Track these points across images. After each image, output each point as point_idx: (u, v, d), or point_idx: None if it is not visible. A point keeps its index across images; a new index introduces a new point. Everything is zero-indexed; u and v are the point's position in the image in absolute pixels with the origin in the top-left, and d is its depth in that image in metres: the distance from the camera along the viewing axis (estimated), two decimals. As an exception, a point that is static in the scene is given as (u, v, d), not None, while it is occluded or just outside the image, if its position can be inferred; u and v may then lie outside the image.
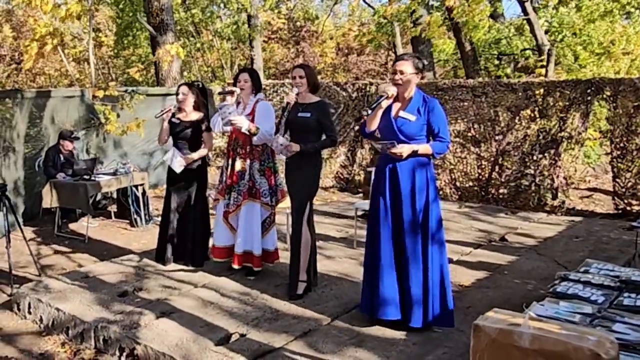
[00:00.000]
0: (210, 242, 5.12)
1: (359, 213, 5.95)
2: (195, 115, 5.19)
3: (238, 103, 4.75)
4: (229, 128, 4.65)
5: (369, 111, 3.74)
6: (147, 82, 16.39)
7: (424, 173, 3.71)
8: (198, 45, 16.96)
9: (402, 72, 3.71)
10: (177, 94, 5.21)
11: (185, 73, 13.25)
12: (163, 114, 5.12)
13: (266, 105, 4.70)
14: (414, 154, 3.66)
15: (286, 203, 4.77)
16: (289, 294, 4.38)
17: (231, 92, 4.64)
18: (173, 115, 5.18)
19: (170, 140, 5.19)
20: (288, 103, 4.25)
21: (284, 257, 4.87)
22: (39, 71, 16.47)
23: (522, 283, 4.72)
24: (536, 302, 3.36)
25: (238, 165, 4.69)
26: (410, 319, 3.71)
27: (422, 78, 3.84)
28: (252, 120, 4.59)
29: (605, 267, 3.91)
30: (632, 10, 14.48)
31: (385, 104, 3.74)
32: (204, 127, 5.15)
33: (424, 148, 3.69)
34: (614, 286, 3.49)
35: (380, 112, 3.78)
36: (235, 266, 4.77)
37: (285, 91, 9.74)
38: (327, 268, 5.03)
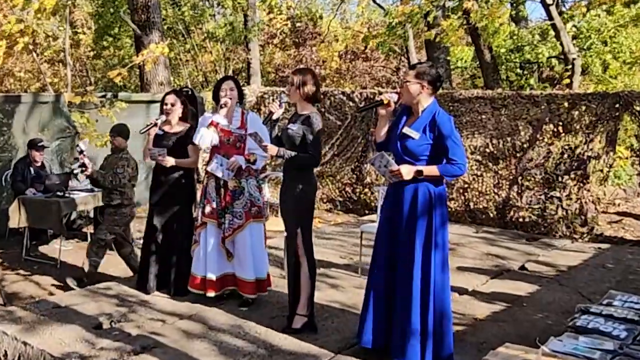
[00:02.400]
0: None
1: (365, 237, 6.02)
2: (181, 127, 5.27)
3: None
4: (232, 173, 4.79)
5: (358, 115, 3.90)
6: (130, 87, 16.53)
7: (427, 197, 3.73)
8: (188, 46, 17.12)
9: (405, 81, 3.81)
10: (163, 103, 5.28)
11: (172, 78, 13.37)
12: (149, 129, 5.18)
13: (256, 117, 4.90)
14: (419, 175, 3.70)
15: (281, 225, 4.85)
16: (285, 328, 4.43)
17: (224, 105, 4.77)
18: (156, 125, 5.25)
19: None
20: (271, 112, 4.32)
21: (281, 285, 4.94)
22: (8, 72, 16.60)
23: (542, 317, 4.79)
24: (554, 337, 3.43)
25: (231, 183, 4.80)
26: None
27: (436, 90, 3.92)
28: (245, 132, 4.74)
29: (631, 299, 3.98)
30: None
31: (383, 112, 3.85)
32: (190, 139, 5.21)
33: (430, 170, 3.71)
34: (638, 320, 3.56)
35: (383, 123, 3.88)
36: (250, 296, 4.88)
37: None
38: (329, 298, 5.10)
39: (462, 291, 5.40)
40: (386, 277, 3.87)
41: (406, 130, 3.78)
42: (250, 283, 4.87)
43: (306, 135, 4.25)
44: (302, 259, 4.34)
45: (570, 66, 12.53)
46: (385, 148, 3.96)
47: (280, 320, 4.58)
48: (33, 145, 7.64)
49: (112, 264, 6.93)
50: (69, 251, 7.41)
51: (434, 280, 3.74)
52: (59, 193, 7.06)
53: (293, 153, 4.23)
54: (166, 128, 5.27)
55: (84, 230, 8.13)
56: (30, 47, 10.60)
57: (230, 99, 4.80)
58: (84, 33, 17.37)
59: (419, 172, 3.71)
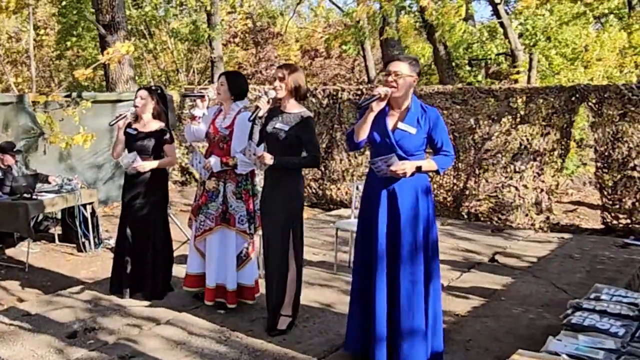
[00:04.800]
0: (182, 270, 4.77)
1: (340, 233, 5.68)
2: (155, 125, 4.84)
3: (220, 111, 4.46)
4: (207, 172, 4.38)
5: (358, 119, 3.49)
6: (94, 87, 15.79)
7: (425, 196, 3.45)
8: (150, 46, 16.44)
9: (397, 74, 3.37)
10: (135, 98, 4.84)
11: (136, 78, 12.75)
12: (118, 120, 4.75)
13: (246, 118, 4.25)
14: (418, 171, 3.39)
15: None
16: (269, 330, 4.07)
17: (201, 96, 4.35)
18: (129, 124, 4.83)
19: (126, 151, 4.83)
20: (257, 107, 3.85)
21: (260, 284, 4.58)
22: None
23: (523, 310, 4.55)
24: (552, 336, 3.18)
25: (209, 184, 4.38)
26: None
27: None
28: (231, 134, 4.29)
29: (617, 292, 3.80)
30: (605, 13, 14.82)
31: (376, 107, 3.42)
32: (166, 138, 4.82)
33: (428, 164, 3.43)
34: (633, 315, 3.37)
35: (370, 118, 3.44)
36: (208, 302, 4.44)
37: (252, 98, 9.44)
38: (308, 298, 4.72)
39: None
40: (384, 278, 3.49)
41: (401, 125, 3.42)
42: (210, 289, 4.42)
43: (301, 137, 3.86)
44: (291, 260, 3.96)
45: (519, 62, 12.51)
46: (362, 147, 3.63)
47: (261, 323, 4.22)
48: (5, 149, 7.01)
49: (83, 266, 6.44)
50: (37, 254, 6.85)
51: (429, 277, 3.46)
52: (26, 195, 6.48)
53: (294, 159, 3.86)
54: (139, 127, 4.82)
55: (51, 231, 7.55)
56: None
57: (219, 93, 4.37)
58: (47, 34, 16.51)
59: (419, 168, 3.40)
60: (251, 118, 3.84)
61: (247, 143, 3.97)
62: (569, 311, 3.43)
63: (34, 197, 6.48)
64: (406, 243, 3.41)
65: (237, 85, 4.37)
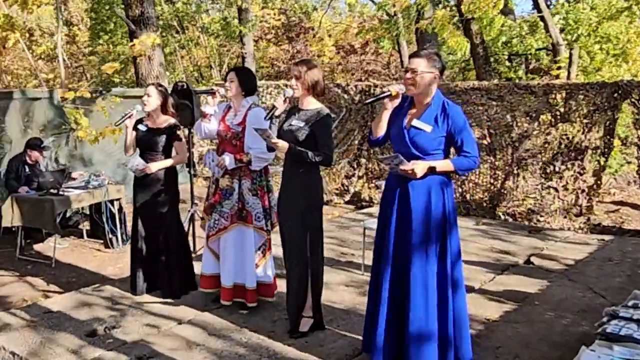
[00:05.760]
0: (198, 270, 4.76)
1: (368, 232, 5.58)
2: (165, 121, 4.82)
3: (229, 108, 4.44)
4: (221, 170, 4.34)
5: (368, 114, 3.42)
6: (126, 82, 15.99)
7: (440, 197, 3.32)
8: (183, 42, 16.56)
9: (413, 71, 3.27)
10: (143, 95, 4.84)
11: (168, 74, 12.86)
12: (124, 119, 4.75)
13: (258, 113, 4.27)
14: (431, 171, 3.27)
15: None
16: (291, 332, 4.01)
17: (212, 93, 4.32)
18: (141, 121, 4.82)
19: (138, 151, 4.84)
20: (274, 107, 3.81)
21: (282, 285, 4.51)
22: (5, 70, 16.03)
23: (557, 316, 4.37)
24: (585, 345, 3.03)
25: (223, 182, 4.33)
26: None
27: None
28: (243, 131, 4.25)
29: (659, 300, 3.60)
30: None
31: (390, 105, 3.35)
32: (176, 135, 4.80)
33: (443, 164, 3.29)
34: (674, 326, 3.18)
35: (385, 116, 3.39)
36: (225, 302, 4.41)
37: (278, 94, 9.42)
38: (332, 299, 4.66)
39: (469, 289, 4.97)
40: (393, 280, 3.41)
41: (416, 122, 3.32)
42: (227, 289, 4.38)
43: (316, 132, 3.78)
44: (310, 259, 3.88)
45: (560, 57, 12.17)
46: (381, 143, 3.55)
47: (283, 324, 4.17)
48: (33, 146, 7.14)
49: (110, 262, 6.50)
50: (65, 249, 6.96)
51: (451, 281, 3.33)
52: (52, 191, 6.57)
53: (306, 151, 3.76)
54: (149, 123, 4.82)
55: (81, 226, 7.66)
56: (27, 44, 10.10)
57: (228, 89, 4.32)
58: (80, 29, 16.80)
59: (432, 169, 3.27)
60: (267, 117, 3.80)
61: (269, 154, 4.05)
62: (605, 319, 3.27)
63: (61, 192, 6.57)
64: (417, 244, 3.31)
65: (247, 81, 4.35)
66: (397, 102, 3.38)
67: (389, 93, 3.34)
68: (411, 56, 3.42)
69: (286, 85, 3.96)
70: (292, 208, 3.88)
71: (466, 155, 3.31)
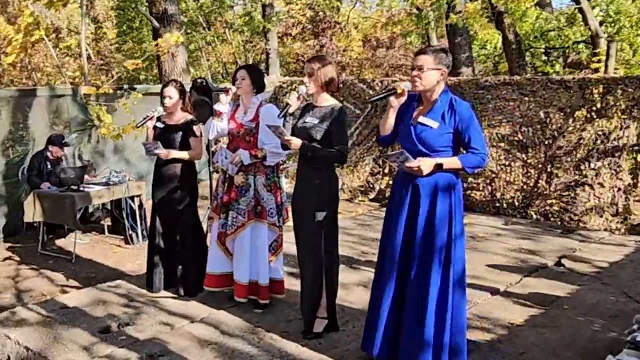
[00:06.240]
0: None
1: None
2: (182, 118, 4.85)
3: (238, 106, 4.44)
4: (235, 168, 4.32)
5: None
6: (152, 79, 16.14)
7: (447, 197, 3.25)
8: (208, 38, 16.65)
9: (419, 68, 3.26)
10: (162, 95, 4.88)
11: (193, 70, 12.92)
12: (146, 121, 4.82)
13: (271, 109, 4.28)
14: (438, 169, 3.20)
15: None
16: (305, 332, 3.95)
17: (225, 90, 4.31)
18: (158, 119, 4.87)
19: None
20: (287, 104, 3.76)
21: (297, 284, 4.45)
22: (35, 67, 16.35)
23: (586, 321, 4.21)
24: (612, 355, 2.89)
25: (238, 179, 4.31)
26: None
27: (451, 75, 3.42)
28: (257, 127, 4.23)
29: (695, 307, 3.42)
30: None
31: (396, 102, 3.33)
32: (192, 130, 4.80)
33: (451, 162, 3.23)
34: None
35: (392, 114, 3.39)
36: (241, 299, 4.39)
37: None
38: (348, 299, 4.58)
39: (493, 291, 4.85)
40: (396, 280, 3.37)
41: (422, 119, 3.28)
42: (242, 286, 4.37)
43: (331, 129, 3.73)
44: (325, 258, 3.82)
45: (599, 50, 11.83)
46: (390, 141, 3.51)
47: (298, 324, 4.11)
48: (55, 141, 7.23)
49: (129, 258, 6.54)
50: (86, 245, 7.03)
51: (452, 290, 3.25)
52: (73, 187, 6.64)
53: (319, 148, 3.72)
54: (167, 119, 4.87)
55: (102, 222, 7.72)
56: (47, 40, 10.23)
57: (239, 87, 4.32)
58: (107, 27, 17.03)
59: (439, 166, 3.21)
60: (281, 115, 3.76)
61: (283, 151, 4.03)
62: (635, 326, 3.13)
63: (81, 188, 6.63)
64: (419, 246, 3.27)
65: (258, 78, 4.40)
66: (403, 99, 3.38)
67: (394, 90, 3.34)
68: (417, 53, 3.40)
69: (302, 82, 3.89)
70: (306, 205, 3.84)
71: (474, 152, 3.24)
